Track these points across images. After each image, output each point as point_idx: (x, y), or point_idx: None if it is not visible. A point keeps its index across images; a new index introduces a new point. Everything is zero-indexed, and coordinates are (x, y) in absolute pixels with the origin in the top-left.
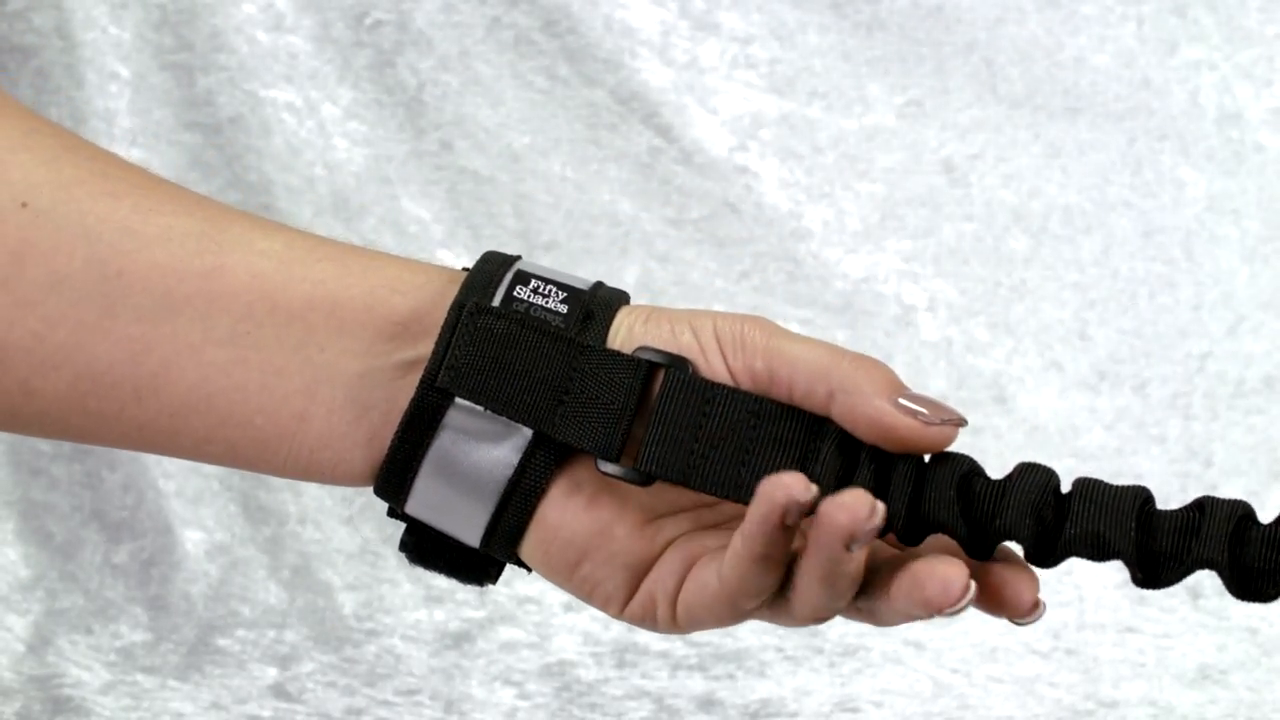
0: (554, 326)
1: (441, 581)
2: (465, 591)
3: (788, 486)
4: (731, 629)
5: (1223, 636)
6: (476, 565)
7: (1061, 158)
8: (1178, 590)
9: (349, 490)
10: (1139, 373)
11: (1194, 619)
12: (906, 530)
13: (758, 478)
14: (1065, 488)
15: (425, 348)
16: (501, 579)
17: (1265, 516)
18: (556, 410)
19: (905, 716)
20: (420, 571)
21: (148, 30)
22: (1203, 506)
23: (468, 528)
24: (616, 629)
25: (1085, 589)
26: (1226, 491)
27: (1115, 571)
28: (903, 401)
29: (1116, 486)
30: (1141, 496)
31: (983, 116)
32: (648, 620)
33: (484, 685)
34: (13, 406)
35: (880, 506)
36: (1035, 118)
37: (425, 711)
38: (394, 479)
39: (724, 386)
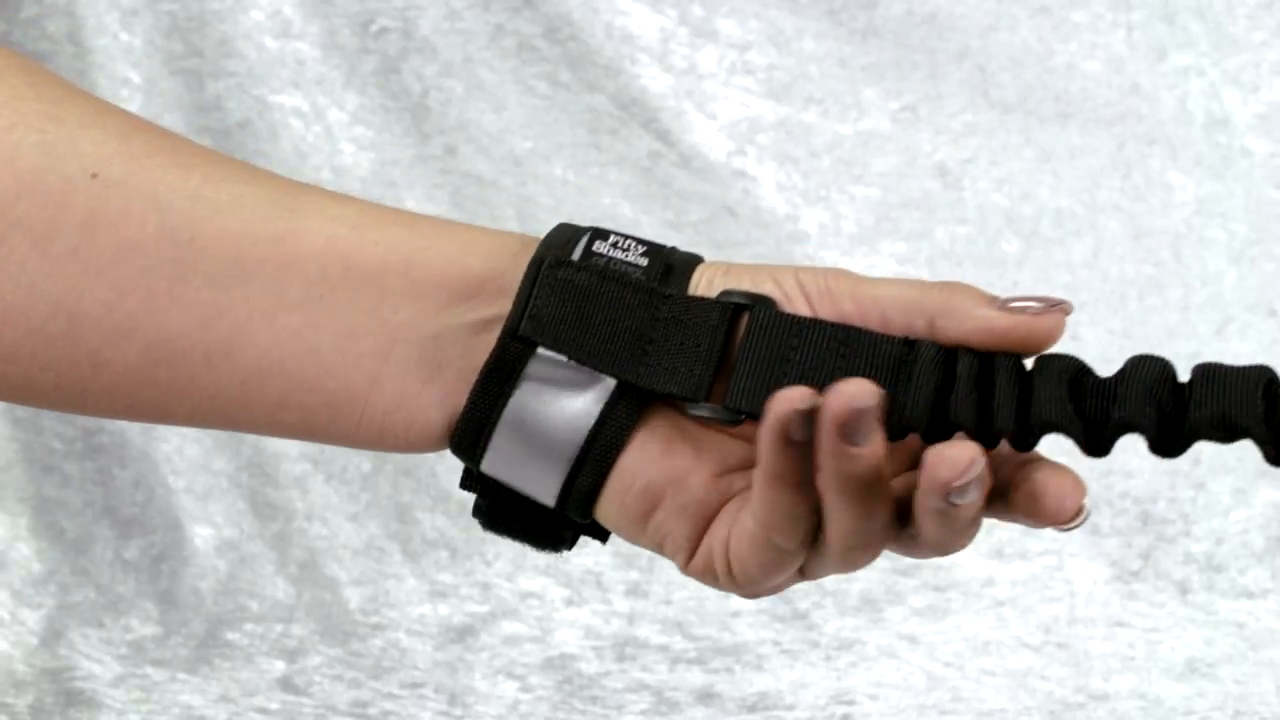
0: (635, 278)
1: (445, 577)
2: (469, 587)
3: (788, 399)
4: (730, 623)
5: (1210, 631)
6: (550, 529)
7: (1053, 162)
8: (1167, 585)
9: (355, 487)
10: None
11: (1182, 614)
12: (1019, 437)
13: None
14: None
15: (501, 307)
16: (505, 574)
17: (1245, 518)
18: (640, 359)
19: (899, 709)
20: (425, 567)
21: (158, 37)
22: None
23: (544, 484)
24: (616, 624)
25: (1076, 584)
26: (1214, 490)
27: (1106, 567)
28: (1008, 306)
29: (1238, 366)
30: (1266, 375)
31: (975, 122)
32: (709, 575)
33: (487, 678)
34: (81, 382)
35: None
36: (1027, 123)
37: (430, 704)
38: (471, 433)
39: (810, 318)
